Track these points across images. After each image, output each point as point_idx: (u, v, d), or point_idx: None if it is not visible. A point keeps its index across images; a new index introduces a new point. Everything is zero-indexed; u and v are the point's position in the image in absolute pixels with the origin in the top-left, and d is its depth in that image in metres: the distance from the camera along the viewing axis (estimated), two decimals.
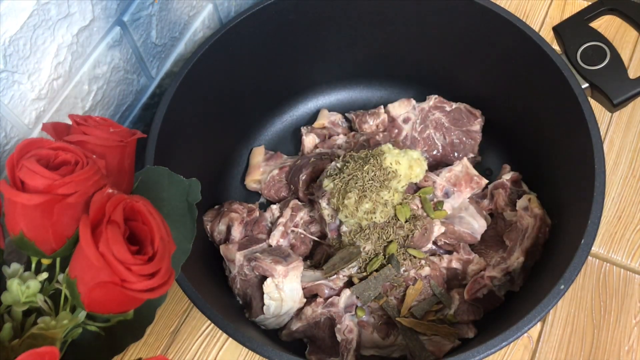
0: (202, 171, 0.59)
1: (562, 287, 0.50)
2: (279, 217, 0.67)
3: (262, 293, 0.61)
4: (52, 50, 0.50)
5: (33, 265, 0.38)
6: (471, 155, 0.73)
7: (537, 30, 0.82)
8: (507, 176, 0.68)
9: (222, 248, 0.66)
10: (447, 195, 0.66)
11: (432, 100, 0.74)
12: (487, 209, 0.68)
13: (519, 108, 0.70)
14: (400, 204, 0.62)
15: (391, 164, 0.61)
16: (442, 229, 0.64)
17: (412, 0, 0.68)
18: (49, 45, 0.50)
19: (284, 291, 0.60)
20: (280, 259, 0.62)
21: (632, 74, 0.61)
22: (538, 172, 0.67)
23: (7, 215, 0.35)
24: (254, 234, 0.67)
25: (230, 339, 0.53)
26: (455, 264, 0.64)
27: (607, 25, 0.82)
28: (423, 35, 0.72)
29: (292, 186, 0.71)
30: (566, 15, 0.82)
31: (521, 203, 0.64)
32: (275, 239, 0.65)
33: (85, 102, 0.57)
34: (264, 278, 0.61)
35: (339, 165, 0.64)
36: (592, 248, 0.58)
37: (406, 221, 0.62)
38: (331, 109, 0.79)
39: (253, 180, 0.74)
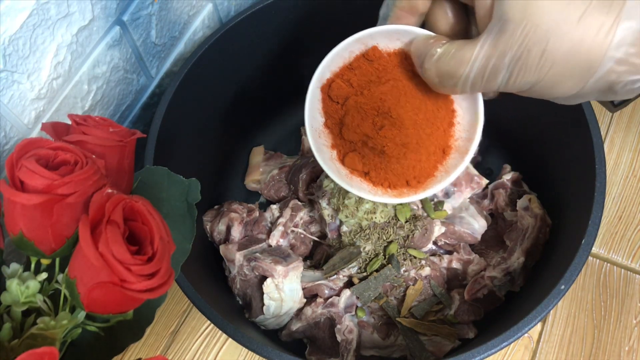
0: (202, 171, 0.59)
1: (563, 287, 0.50)
2: (278, 217, 0.67)
3: (262, 293, 0.60)
4: (51, 49, 0.50)
5: (32, 265, 0.38)
6: None
7: None
8: (507, 176, 0.68)
9: (221, 248, 0.65)
10: (447, 195, 0.66)
11: None
12: (488, 209, 0.68)
13: (519, 108, 0.69)
14: (401, 204, 0.62)
15: None
16: (443, 229, 0.63)
17: None
18: (49, 45, 0.49)
19: (284, 291, 0.60)
20: (280, 259, 0.62)
21: None
22: (538, 172, 0.67)
23: (6, 215, 0.35)
24: (253, 234, 0.67)
25: (230, 339, 0.53)
26: (455, 264, 0.63)
27: None
28: None
29: (292, 186, 0.71)
30: None
31: (521, 203, 0.64)
32: (275, 239, 0.65)
33: (85, 102, 0.57)
34: (263, 278, 0.61)
35: None
36: (593, 248, 0.58)
37: (406, 221, 0.62)
38: None
39: (253, 180, 0.74)
